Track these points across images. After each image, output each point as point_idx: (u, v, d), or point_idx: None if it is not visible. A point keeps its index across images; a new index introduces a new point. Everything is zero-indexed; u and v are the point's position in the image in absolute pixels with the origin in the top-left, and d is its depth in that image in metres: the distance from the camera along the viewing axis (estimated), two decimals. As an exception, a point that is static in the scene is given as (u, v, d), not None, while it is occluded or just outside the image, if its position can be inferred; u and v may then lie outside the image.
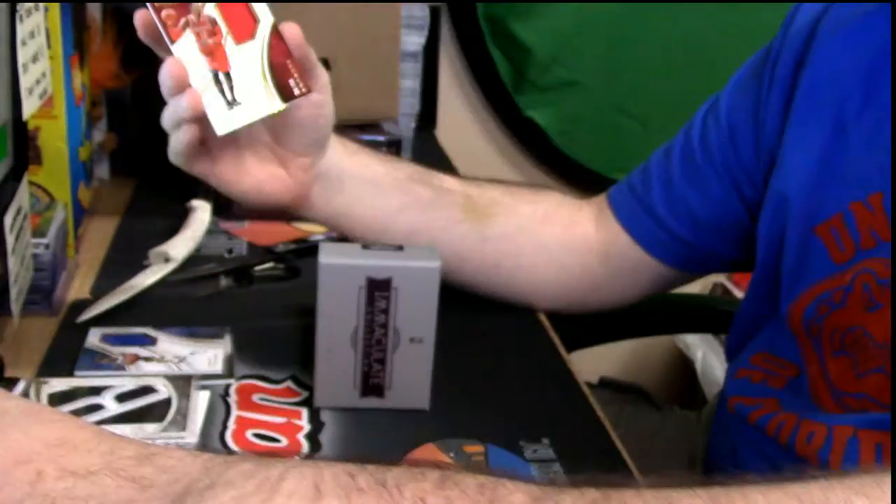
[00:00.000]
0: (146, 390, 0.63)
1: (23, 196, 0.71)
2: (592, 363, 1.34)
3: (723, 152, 0.75)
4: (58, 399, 0.61)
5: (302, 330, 0.76)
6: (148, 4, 0.59)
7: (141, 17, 0.62)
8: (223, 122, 0.60)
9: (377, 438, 0.65)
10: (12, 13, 0.66)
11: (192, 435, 0.59)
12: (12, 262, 0.67)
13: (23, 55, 0.67)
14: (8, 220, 0.66)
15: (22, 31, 0.67)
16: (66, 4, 0.83)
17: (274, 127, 0.69)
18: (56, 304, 0.78)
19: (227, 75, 0.60)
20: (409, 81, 1.16)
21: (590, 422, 0.70)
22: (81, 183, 0.90)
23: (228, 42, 0.60)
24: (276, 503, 0.34)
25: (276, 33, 0.61)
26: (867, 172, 0.62)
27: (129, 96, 1.07)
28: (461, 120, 1.61)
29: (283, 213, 0.74)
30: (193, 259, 0.89)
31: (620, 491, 0.36)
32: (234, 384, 0.68)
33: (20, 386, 0.62)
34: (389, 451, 0.63)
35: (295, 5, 0.94)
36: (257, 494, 0.34)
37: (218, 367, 0.69)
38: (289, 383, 0.70)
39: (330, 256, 0.64)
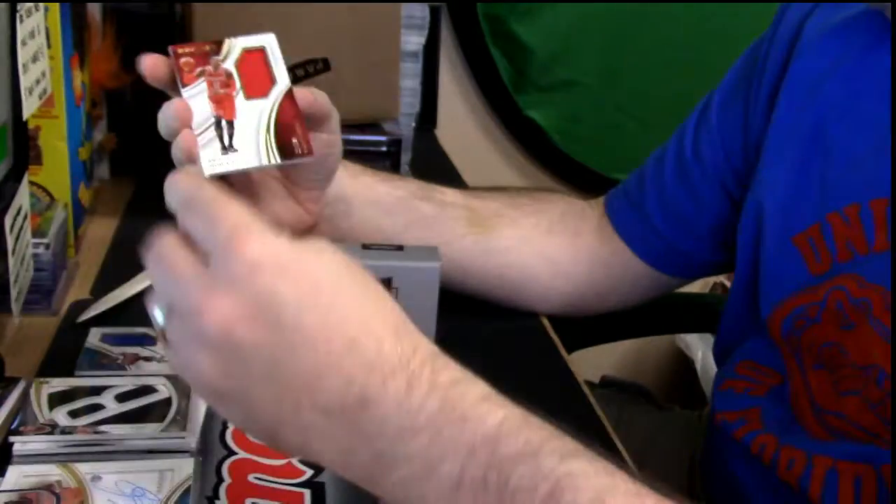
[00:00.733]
0: (146, 390, 0.63)
1: (23, 196, 0.71)
2: (593, 363, 1.34)
3: (715, 162, 0.75)
4: (58, 399, 0.60)
5: (302, 330, 0.76)
6: (170, 48, 0.59)
7: (148, 62, 0.59)
8: (212, 164, 0.58)
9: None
10: (12, 13, 0.66)
11: (192, 435, 0.58)
12: (12, 262, 0.68)
13: (23, 55, 0.67)
14: (8, 220, 0.66)
15: (22, 31, 0.67)
16: (66, 4, 0.83)
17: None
18: (56, 304, 0.78)
19: (230, 123, 0.58)
20: (409, 81, 1.16)
21: (590, 422, 0.70)
22: (81, 183, 0.90)
23: (240, 96, 0.59)
24: None
25: (289, 95, 0.60)
26: (844, 183, 0.62)
27: (129, 96, 1.06)
28: (461, 120, 1.61)
29: None
30: (193, 259, 0.89)
31: None
32: (235, 384, 0.68)
33: (20, 386, 0.62)
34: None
35: (295, 5, 0.94)
36: None
37: (218, 367, 0.69)
38: (289, 383, 0.69)
39: (330, 256, 0.63)
